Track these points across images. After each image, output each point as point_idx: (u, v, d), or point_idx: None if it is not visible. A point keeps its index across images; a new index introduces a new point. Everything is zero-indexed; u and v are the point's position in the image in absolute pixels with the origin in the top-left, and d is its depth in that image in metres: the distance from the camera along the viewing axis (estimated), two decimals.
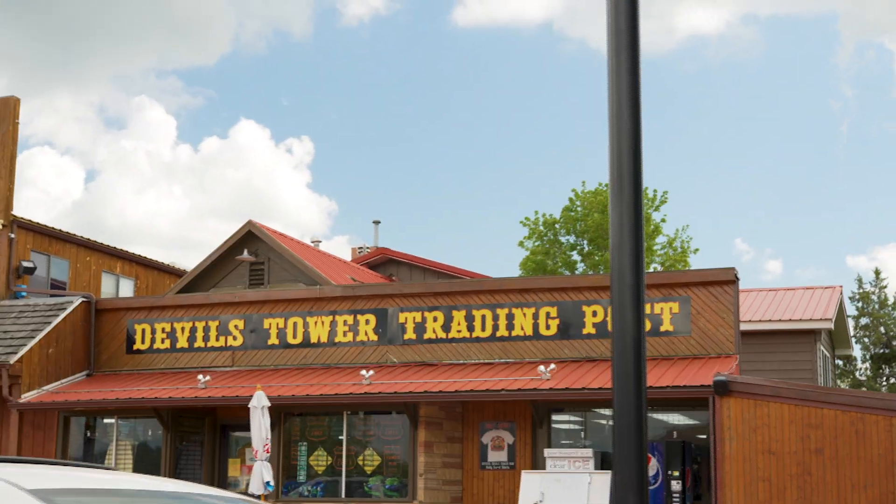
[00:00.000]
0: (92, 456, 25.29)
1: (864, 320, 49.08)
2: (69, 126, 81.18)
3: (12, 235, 26.87)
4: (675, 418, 22.38)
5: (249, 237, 26.08)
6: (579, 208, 46.02)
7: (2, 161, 27.16)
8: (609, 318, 22.72)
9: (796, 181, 67.61)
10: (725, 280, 22.46)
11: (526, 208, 70.61)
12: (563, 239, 46.28)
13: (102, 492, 5.15)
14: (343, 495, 22.98)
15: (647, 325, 22.72)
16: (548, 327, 23.38)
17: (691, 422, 22.56)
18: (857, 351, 48.55)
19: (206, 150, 75.46)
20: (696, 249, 46.04)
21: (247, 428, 24.62)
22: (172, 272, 32.64)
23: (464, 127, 73.77)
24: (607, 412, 22.55)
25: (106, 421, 25.60)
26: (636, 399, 5.12)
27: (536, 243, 46.63)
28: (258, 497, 19.80)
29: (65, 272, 28.62)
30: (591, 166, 69.67)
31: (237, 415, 24.62)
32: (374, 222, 38.08)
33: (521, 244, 47.44)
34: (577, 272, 44.44)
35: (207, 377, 23.84)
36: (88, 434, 25.78)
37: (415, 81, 74.49)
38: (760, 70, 69.23)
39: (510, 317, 23.58)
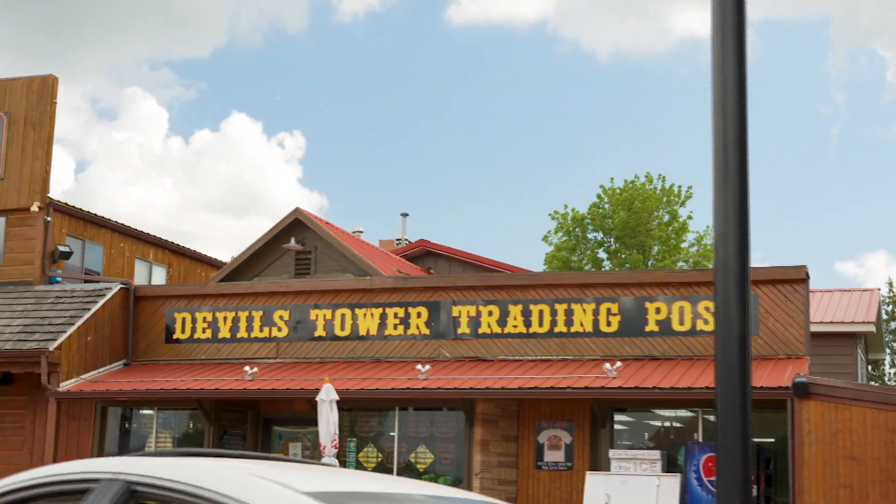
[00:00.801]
0: (129, 448, 24.46)
1: (893, 324, 48.41)
2: (61, 116, 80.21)
3: (48, 218, 26.02)
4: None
5: (296, 225, 25.25)
6: (607, 205, 45.30)
7: (38, 142, 26.30)
8: (673, 316, 22.04)
9: (786, 186, 67.28)
10: (796, 279, 21.71)
11: (524, 208, 69.93)
12: (590, 236, 45.58)
13: (385, 496, 4.40)
14: None
15: (713, 324, 22.02)
16: (608, 324, 22.59)
17: (760, 424, 21.79)
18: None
19: (198, 142, 74.81)
20: None
21: (290, 422, 23.99)
22: (205, 261, 31.81)
23: (458, 124, 73.48)
24: (671, 413, 21.80)
25: (144, 412, 24.78)
26: (741, 398, 4.64)
27: (563, 238, 45.90)
28: None
29: (99, 258, 27.78)
30: (590, 164, 68.98)
31: (281, 408, 23.88)
32: (401, 215, 37.32)
33: (545, 239, 46.75)
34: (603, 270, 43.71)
35: (255, 369, 23.02)
36: (126, 425, 24.96)
37: (408, 78, 74.10)
38: (752, 74, 68.44)
39: (569, 312, 22.79)
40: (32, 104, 26.44)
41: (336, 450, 19.09)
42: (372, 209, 72.85)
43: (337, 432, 18.88)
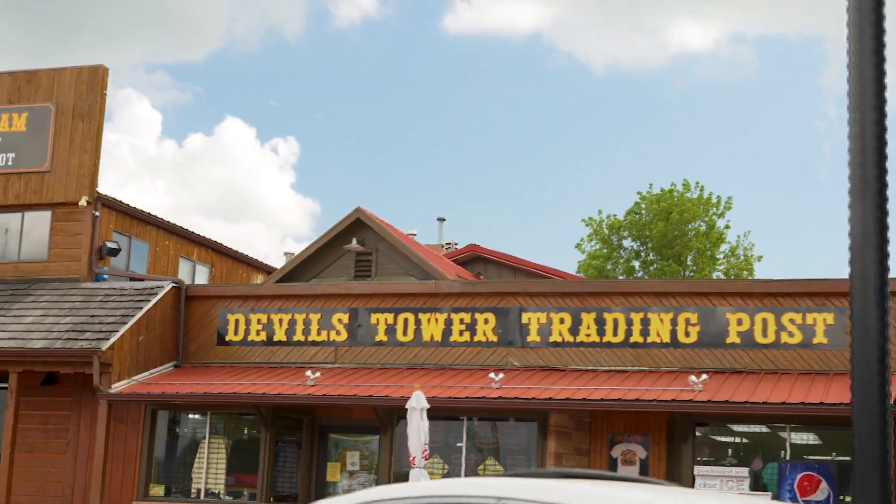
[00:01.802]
0: (180, 453, 23.51)
1: None
2: None
3: (96, 213, 25.07)
4: (833, 439, 20.67)
5: (357, 225, 24.32)
6: (644, 211, 44.46)
7: (87, 134, 25.36)
8: (756, 328, 21.15)
9: (778, 200, 66.72)
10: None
11: (526, 213, 69.42)
12: (626, 244, 44.73)
13: None
14: None
15: (799, 337, 21.18)
16: (687, 334, 21.70)
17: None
18: None
19: (191, 146, 74.05)
20: (760, 257, 44.58)
21: (347, 430, 23.04)
22: (248, 262, 30.88)
23: (453, 132, 73.18)
24: (753, 429, 20.89)
25: (191, 416, 23.82)
26: (880, 414, 4.61)
27: (597, 246, 45.05)
28: None
29: (144, 255, 26.83)
30: (582, 173, 68.33)
31: (338, 415, 22.94)
32: (438, 220, 36.42)
33: (578, 246, 45.90)
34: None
35: (317, 374, 22.07)
36: (177, 429, 24.00)
37: (404, 86, 73.63)
38: (747, 89, 69.10)
39: (645, 321, 21.90)
40: (82, 95, 25.51)
41: (426, 461, 18.15)
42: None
43: (427, 442, 17.95)
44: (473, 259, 29.58)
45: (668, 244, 42.96)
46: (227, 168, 71.15)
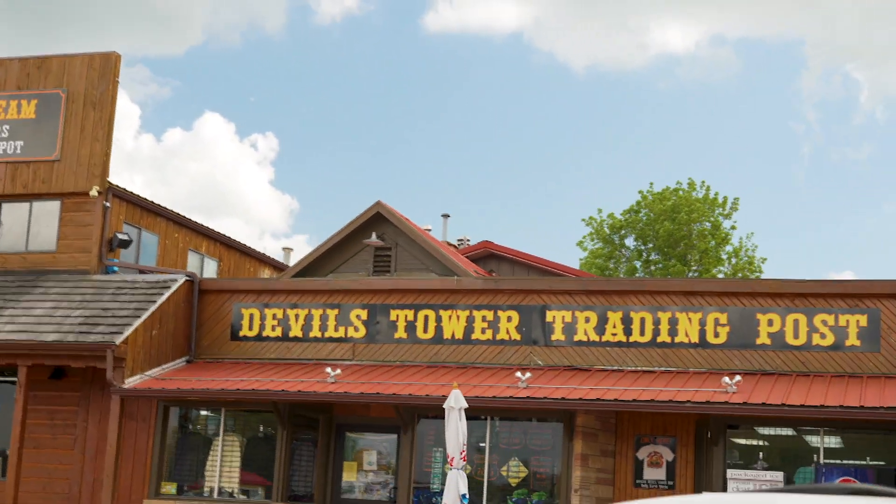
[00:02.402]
0: (192, 451, 22.93)
1: None
2: None
3: (107, 204, 24.46)
4: (866, 443, 20.25)
5: (377, 220, 23.75)
6: (644, 210, 44.04)
7: (99, 123, 24.75)
8: (787, 329, 20.71)
9: (756, 203, 66.53)
10: None
11: (505, 211, 69.09)
12: (628, 243, 44.30)
13: None
14: None
15: (831, 339, 20.73)
16: (716, 335, 21.25)
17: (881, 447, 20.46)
18: None
19: (170, 141, 73.25)
20: (764, 259, 44.25)
21: (365, 429, 22.53)
22: (256, 256, 30.30)
23: (434, 130, 72.72)
24: (785, 433, 20.44)
25: (205, 413, 23.25)
26: None
27: (598, 244, 44.62)
28: None
29: (153, 248, 26.23)
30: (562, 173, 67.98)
31: (356, 413, 22.43)
32: (443, 216, 35.83)
33: (580, 244, 45.46)
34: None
35: (337, 370, 21.53)
36: (189, 426, 23.42)
37: (384, 83, 73.21)
38: (727, 90, 69.09)
39: (673, 321, 21.44)
40: (93, 82, 24.89)
41: (465, 462, 17.63)
42: (344, 213, 71.65)
43: (465, 442, 17.42)
44: (486, 256, 29.06)
45: (674, 244, 42.58)
46: (206, 163, 70.44)
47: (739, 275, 42.97)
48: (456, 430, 16.96)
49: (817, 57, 66.48)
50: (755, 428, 20.60)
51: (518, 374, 20.54)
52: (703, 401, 19.18)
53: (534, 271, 29.09)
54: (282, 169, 73.52)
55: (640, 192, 44.25)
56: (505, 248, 29.30)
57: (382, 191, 73.46)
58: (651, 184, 44.56)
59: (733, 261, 43.86)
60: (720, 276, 42.52)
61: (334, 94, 73.94)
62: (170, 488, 22.50)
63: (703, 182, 43.69)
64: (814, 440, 19.98)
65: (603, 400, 19.61)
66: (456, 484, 16.74)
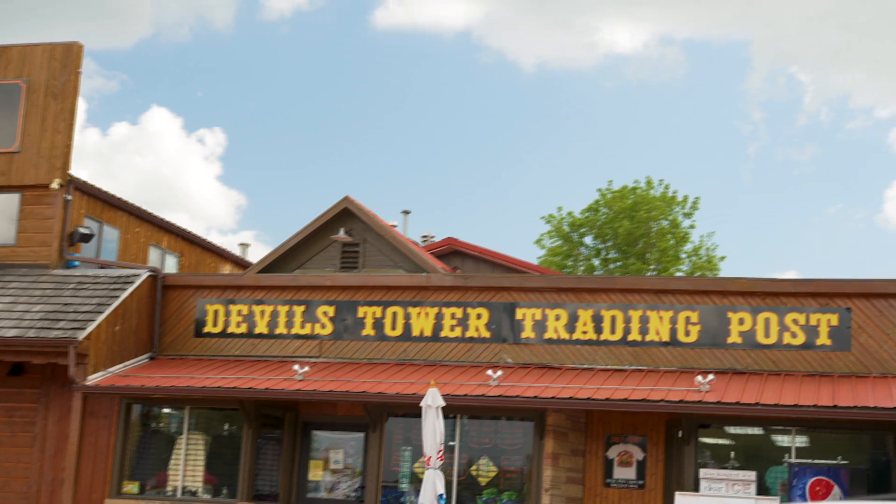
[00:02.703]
0: (156, 449, 22.50)
1: None
2: None
3: (69, 197, 23.98)
4: (838, 443, 20.19)
5: (345, 215, 23.44)
6: (602, 208, 44.00)
7: (61, 114, 24.27)
8: (758, 328, 20.66)
9: (706, 203, 67.13)
10: (893, 293, 20.43)
11: (455, 209, 69.15)
12: (588, 241, 44.24)
13: None
14: None
15: (802, 338, 20.68)
16: (687, 333, 21.15)
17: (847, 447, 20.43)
18: None
19: (116, 135, 72.39)
20: (723, 257, 44.36)
21: (332, 427, 22.29)
22: (217, 252, 29.90)
23: (385, 127, 72.57)
24: (756, 431, 20.36)
25: (168, 410, 22.83)
26: None
27: (557, 242, 44.53)
28: None
29: (114, 242, 25.76)
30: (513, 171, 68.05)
31: (322, 411, 22.14)
32: (403, 212, 35.58)
33: (538, 242, 45.38)
34: None
35: (305, 368, 21.24)
36: (153, 424, 22.99)
37: (334, 80, 72.95)
38: (673, 90, 69.67)
39: (644, 320, 21.32)
40: (55, 73, 24.40)
41: (441, 461, 17.38)
42: (291, 210, 71.13)
43: (443, 442, 17.18)
44: (451, 253, 28.84)
45: (633, 242, 42.58)
46: (152, 158, 69.63)
47: (698, 273, 43.05)
48: (433, 429, 16.71)
49: (763, 58, 67.03)
50: (726, 427, 20.52)
51: (489, 372, 20.33)
52: (678, 400, 19.06)
53: (498, 269, 28.91)
54: (229, 164, 72.91)
55: (598, 190, 44.26)
56: (470, 244, 29.10)
57: (333, 187, 72.91)
58: (610, 181, 44.57)
59: (693, 259, 43.93)
60: (678, 274, 42.54)
61: (283, 90, 73.52)
62: (132, 487, 22.08)
63: (661, 180, 43.74)
64: (784, 439, 19.93)
65: (576, 399, 19.44)
66: (433, 484, 16.50)
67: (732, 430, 20.51)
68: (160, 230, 27.38)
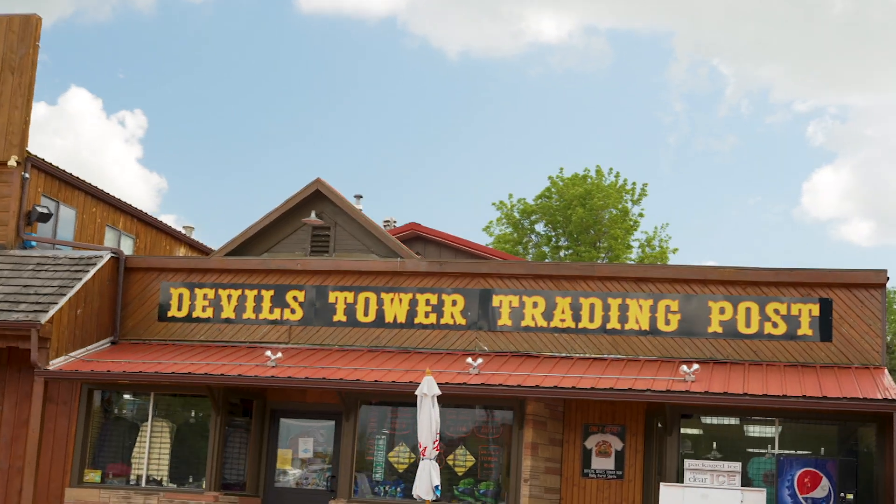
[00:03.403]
0: (119, 437, 21.77)
1: None
2: None
3: (26, 175, 23.10)
4: (822, 434, 20.05)
5: (316, 198, 22.80)
6: (555, 195, 43.73)
7: (18, 89, 23.37)
8: (739, 318, 20.44)
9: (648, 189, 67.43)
10: (874, 283, 20.32)
11: (412, 194, 68.85)
12: (539, 228, 43.94)
13: None
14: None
15: (783, 328, 20.49)
16: (667, 322, 20.87)
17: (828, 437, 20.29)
18: None
19: (34, 115, 70.64)
20: (675, 249, 44.32)
21: (302, 415, 21.75)
22: (172, 234, 29.08)
23: (305, 111, 72.06)
24: (736, 422, 20.15)
25: (132, 397, 22.08)
26: None
27: (507, 229, 44.19)
28: (423, 502, 16.73)
29: (71, 222, 24.88)
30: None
31: (292, 399, 21.57)
32: (355, 196, 34.96)
33: (486, 229, 45.00)
34: None
35: (278, 354, 20.63)
36: (116, 411, 22.23)
37: (257, 63, 72.17)
38: (598, 80, 69.98)
39: (623, 308, 21.00)
40: (12, 46, 23.48)
41: (437, 451, 16.89)
42: (212, 194, 70.19)
43: (439, 431, 16.68)
44: (413, 238, 28.28)
45: (585, 230, 42.34)
46: (71, 139, 67.97)
47: (645, 262, 42.94)
48: (429, 418, 16.22)
49: (685, 50, 67.34)
50: (707, 418, 20.28)
51: (469, 360, 19.88)
52: (664, 390, 18.76)
53: (461, 255, 28.44)
54: (150, 147, 71.56)
55: (549, 177, 43.95)
56: (433, 230, 28.61)
57: (255, 171, 71.67)
58: (561, 169, 44.30)
59: (647, 249, 43.81)
60: (628, 263, 42.38)
61: (206, 73, 72.31)
62: (94, 476, 21.34)
63: (611, 169, 43.59)
64: (768, 430, 19.74)
65: (561, 388, 19.06)
66: (429, 474, 16.02)
67: (715, 420, 20.27)
68: (117, 210, 26.53)
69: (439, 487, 17.00)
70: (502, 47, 68.14)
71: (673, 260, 43.49)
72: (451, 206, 68.64)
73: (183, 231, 33.90)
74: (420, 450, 16.57)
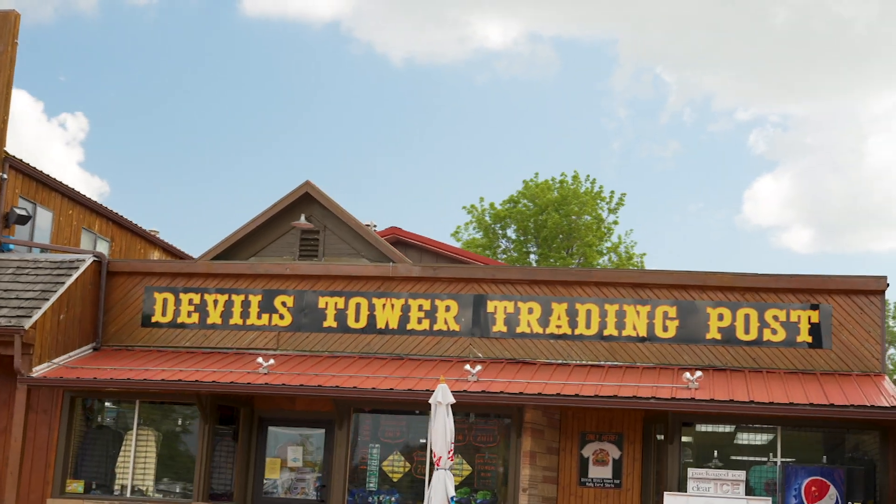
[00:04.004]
0: (102, 446, 21.15)
1: None
2: None
3: (4, 176, 22.44)
4: (821, 441, 19.84)
5: (305, 200, 22.28)
6: (524, 201, 43.46)
7: None
8: (738, 324, 20.22)
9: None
10: (874, 290, 20.16)
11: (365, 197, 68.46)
12: (510, 233, 43.65)
13: None
14: None
15: (782, 335, 20.29)
16: (665, 329, 20.60)
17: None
18: None
19: None
20: (644, 254, 44.21)
21: (291, 423, 21.26)
22: (147, 238, 28.45)
23: (250, 117, 71.36)
24: (738, 430, 19.91)
25: (116, 405, 21.44)
26: None
27: (476, 234, 43.87)
28: None
29: (48, 225, 24.22)
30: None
31: (280, 406, 21.07)
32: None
33: (454, 235, 44.65)
34: None
35: (270, 361, 20.11)
36: (99, 420, 21.61)
37: (201, 66, 71.46)
38: (544, 86, 70.05)
39: (620, 314, 20.70)
40: None
41: (452, 461, 16.45)
42: (154, 198, 69.29)
43: (453, 441, 16.25)
44: (394, 243, 27.77)
45: (562, 235, 42.10)
46: (12, 142, 66.79)
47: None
48: (444, 426, 15.77)
49: (629, 57, 67.49)
50: (708, 426, 20.01)
51: (467, 367, 19.48)
52: (668, 397, 18.47)
53: (442, 259, 28.03)
54: (91, 150, 70.49)
55: (524, 181, 43.68)
56: (413, 234, 28.18)
57: (201, 175, 70.76)
58: (536, 174, 44.06)
59: (614, 258, 43.64)
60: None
61: (148, 76, 71.37)
62: (76, 486, 20.70)
63: (588, 175, 43.43)
64: (764, 438, 19.52)
65: (564, 396, 18.70)
66: (444, 484, 15.57)
67: (715, 428, 20.01)
68: (92, 213, 25.89)
69: (455, 498, 16.58)
70: (447, 53, 68.04)
71: (637, 265, 43.38)
72: (413, 209, 68.35)
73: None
74: (434, 459, 16.13)
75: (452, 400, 16.04)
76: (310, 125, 71.02)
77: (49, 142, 66.66)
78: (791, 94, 68.08)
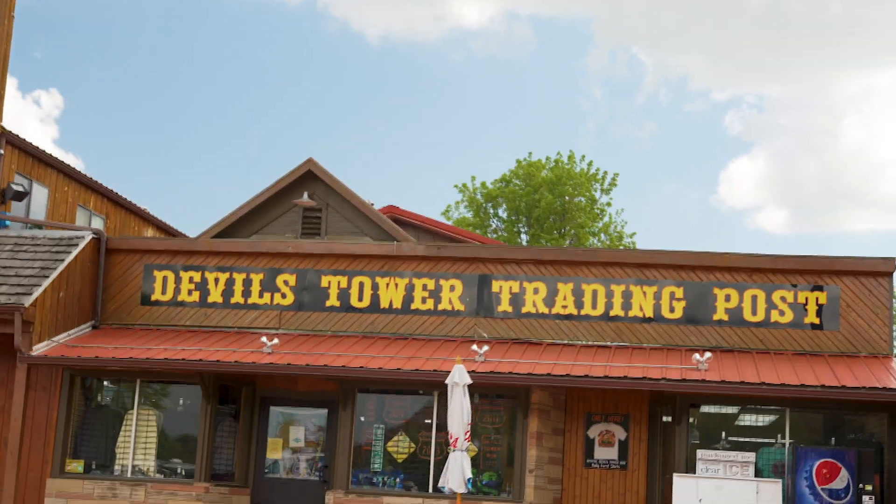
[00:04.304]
0: (102, 425, 20.89)
1: None
2: None
3: (1, 151, 22.07)
4: (830, 423, 19.75)
5: (308, 178, 22.00)
6: (515, 181, 43.26)
7: None
8: (745, 305, 20.11)
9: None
10: (883, 271, 20.06)
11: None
12: (501, 213, 43.46)
13: None
14: (430, 489, 19.43)
15: (790, 316, 20.18)
16: (671, 310, 20.45)
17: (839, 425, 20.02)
18: None
19: None
20: (634, 234, 44.11)
21: (293, 403, 21.06)
22: (141, 215, 28.11)
23: (227, 96, 70.97)
24: (746, 411, 19.80)
25: (116, 384, 21.18)
26: None
27: (466, 213, 43.68)
28: (455, 496, 16.09)
29: (43, 201, 23.88)
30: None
31: (283, 386, 20.86)
32: None
33: (445, 213, 44.44)
34: None
35: (275, 340, 19.89)
36: (99, 399, 21.34)
37: (176, 44, 70.90)
38: (520, 65, 69.94)
39: (627, 294, 20.55)
40: None
41: (469, 443, 16.26)
42: (134, 175, 68.79)
43: (470, 422, 16.07)
44: (392, 221, 27.58)
45: (555, 216, 41.95)
46: None
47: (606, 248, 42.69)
48: (461, 407, 15.61)
49: (604, 37, 67.33)
50: (713, 407, 19.90)
51: (474, 347, 19.29)
52: (679, 378, 18.34)
53: (440, 238, 27.85)
54: (66, 127, 69.90)
55: (517, 160, 43.50)
56: (411, 213, 27.98)
57: (179, 153, 70.24)
58: (530, 153, 43.85)
59: (604, 238, 43.53)
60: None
61: (124, 53, 70.78)
62: (76, 466, 20.44)
63: (583, 156, 43.25)
64: (778, 420, 19.41)
65: (573, 376, 18.56)
66: (461, 465, 15.42)
67: (722, 409, 19.90)
68: (88, 190, 25.55)
69: (471, 480, 16.42)
70: (424, 31, 67.70)
71: (630, 245, 43.30)
72: (398, 188, 68.14)
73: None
74: (451, 441, 15.96)
75: (469, 381, 15.87)
76: (291, 105, 70.71)
77: (23, 119, 66.01)
78: (766, 75, 68.11)
